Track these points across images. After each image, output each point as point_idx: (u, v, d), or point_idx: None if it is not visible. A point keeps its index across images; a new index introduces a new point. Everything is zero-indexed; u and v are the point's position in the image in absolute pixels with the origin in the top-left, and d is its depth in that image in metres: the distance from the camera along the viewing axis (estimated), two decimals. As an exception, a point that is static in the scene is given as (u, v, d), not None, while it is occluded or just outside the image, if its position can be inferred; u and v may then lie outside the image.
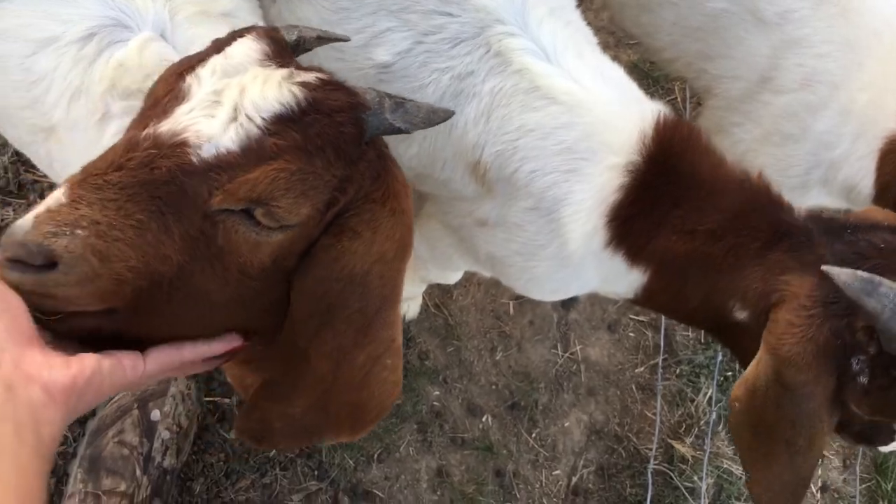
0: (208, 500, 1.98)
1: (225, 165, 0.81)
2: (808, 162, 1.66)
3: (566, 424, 2.28)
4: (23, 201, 2.13)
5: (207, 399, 2.04)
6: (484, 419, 2.22)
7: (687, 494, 2.24)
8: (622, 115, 1.29)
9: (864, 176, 1.60)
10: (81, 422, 1.90)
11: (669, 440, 2.31)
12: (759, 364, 1.18)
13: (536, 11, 1.30)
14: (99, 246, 0.78)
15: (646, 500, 2.17)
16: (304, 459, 2.07)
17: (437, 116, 0.96)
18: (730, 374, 2.43)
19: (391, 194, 0.93)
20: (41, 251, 0.77)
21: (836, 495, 2.37)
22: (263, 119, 0.83)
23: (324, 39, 1.03)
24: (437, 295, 2.30)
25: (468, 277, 2.30)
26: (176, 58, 1.14)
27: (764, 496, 1.25)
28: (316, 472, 2.07)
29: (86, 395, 0.79)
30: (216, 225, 0.83)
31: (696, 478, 2.28)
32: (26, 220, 0.78)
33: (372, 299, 0.92)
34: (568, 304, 2.38)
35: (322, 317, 0.91)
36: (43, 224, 0.77)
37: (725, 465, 2.34)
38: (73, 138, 1.20)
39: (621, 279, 1.36)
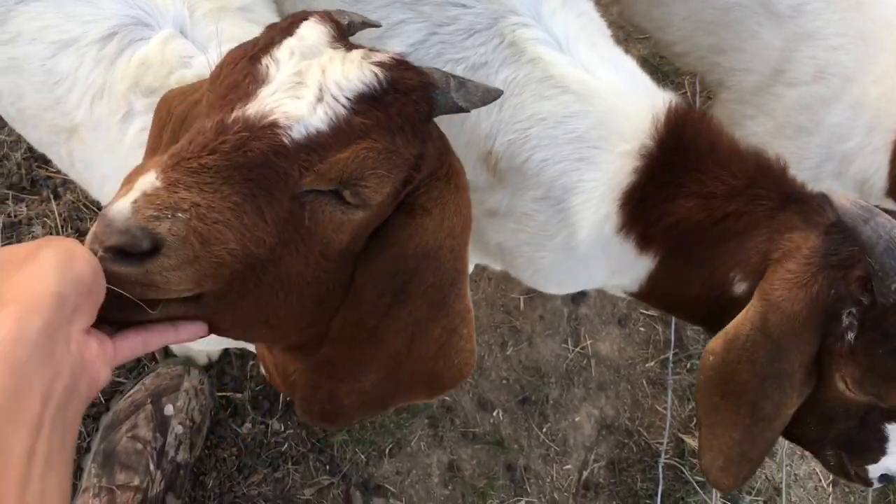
0: (221, 495, 1.98)
1: (315, 146, 0.81)
2: (821, 154, 1.66)
3: (577, 419, 2.28)
4: (36, 197, 2.14)
5: (220, 394, 2.04)
6: (495, 414, 2.23)
7: (698, 488, 2.24)
8: (634, 104, 1.29)
9: (877, 169, 1.60)
10: (95, 417, 1.91)
11: (680, 434, 2.31)
12: (746, 313, 1.16)
13: (550, 2, 1.31)
14: (200, 228, 0.77)
15: (657, 494, 2.17)
16: (316, 454, 2.08)
17: (490, 95, 0.97)
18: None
19: (454, 172, 0.95)
20: (147, 235, 0.75)
21: (847, 489, 2.36)
22: (348, 99, 0.83)
23: (367, 24, 1.03)
24: (448, 290, 2.30)
25: (479, 272, 2.30)
26: (196, 54, 1.15)
27: (714, 464, 1.22)
28: (328, 467, 2.07)
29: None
30: (304, 206, 0.83)
31: (707, 472, 2.27)
32: (123, 207, 0.75)
33: (445, 273, 0.94)
34: (577, 298, 2.38)
35: (396, 294, 0.92)
36: (144, 208, 0.75)
37: (736, 460, 2.34)
38: (95, 137, 1.21)
39: (629, 269, 1.36)
